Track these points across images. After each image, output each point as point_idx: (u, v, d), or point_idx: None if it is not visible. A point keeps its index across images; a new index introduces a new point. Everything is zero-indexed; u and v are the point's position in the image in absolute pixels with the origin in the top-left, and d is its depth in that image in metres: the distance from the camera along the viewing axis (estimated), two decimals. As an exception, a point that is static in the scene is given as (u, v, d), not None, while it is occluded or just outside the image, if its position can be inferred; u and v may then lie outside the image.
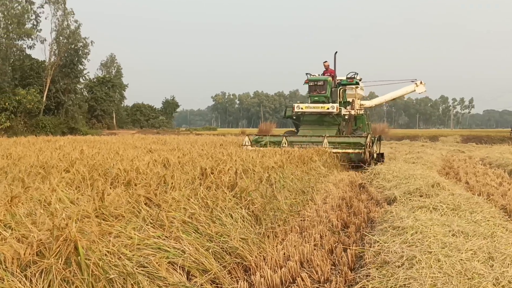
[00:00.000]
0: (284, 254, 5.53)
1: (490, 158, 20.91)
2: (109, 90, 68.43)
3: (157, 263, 4.10)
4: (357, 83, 18.55)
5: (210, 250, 4.77)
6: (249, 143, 16.23)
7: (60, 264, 3.31)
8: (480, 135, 46.27)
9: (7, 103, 43.94)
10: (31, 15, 49.04)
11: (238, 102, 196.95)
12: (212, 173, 7.19)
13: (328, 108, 16.95)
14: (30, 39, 49.21)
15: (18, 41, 48.99)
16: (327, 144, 15.12)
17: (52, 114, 50.88)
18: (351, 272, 5.22)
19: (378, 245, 5.61)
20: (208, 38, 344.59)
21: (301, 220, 7.57)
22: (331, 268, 5.36)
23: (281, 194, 8.02)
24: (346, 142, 15.74)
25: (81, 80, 55.48)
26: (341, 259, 5.60)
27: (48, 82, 49.17)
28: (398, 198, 8.91)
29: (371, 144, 15.67)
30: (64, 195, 5.20)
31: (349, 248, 5.84)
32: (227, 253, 4.97)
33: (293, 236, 6.34)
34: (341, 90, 18.10)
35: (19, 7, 47.75)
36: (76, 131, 49.35)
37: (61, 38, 49.95)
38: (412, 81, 19.46)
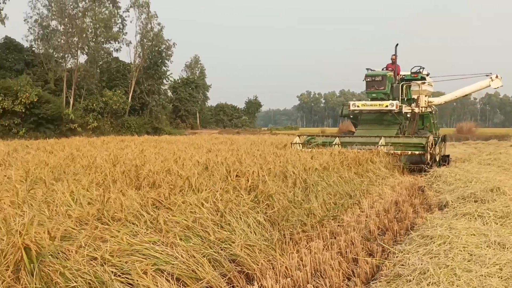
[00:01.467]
0: (298, 262, 5.26)
1: None
2: (192, 91, 69.97)
3: (142, 270, 3.98)
4: (423, 78, 17.07)
5: (208, 257, 4.59)
6: (299, 143, 15.56)
7: (9, 271, 3.26)
8: None
9: (94, 104, 45.93)
10: (118, 19, 51.06)
11: (323, 101, 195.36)
12: (237, 176, 7.01)
13: (386, 106, 15.55)
14: (116, 42, 51.30)
15: (105, 44, 51.21)
16: (383, 145, 14.13)
17: (137, 114, 52.63)
18: (363, 286, 4.87)
19: (400, 256, 5.22)
20: (296, 42, 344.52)
21: (337, 225, 7.24)
22: (344, 279, 5.02)
23: (318, 197, 7.70)
24: (405, 143, 14.59)
25: (164, 81, 57.06)
26: (359, 270, 5.24)
27: (133, 84, 50.93)
28: (450, 203, 8.35)
29: (433, 145, 14.49)
30: (74, 196, 5.21)
31: (368, 259, 5.46)
32: (229, 261, 4.78)
33: (317, 243, 6.03)
34: (404, 86, 16.65)
35: (106, 12, 49.85)
36: (160, 131, 50.85)
37: (145, 40, 51.61)
38: (486, 75, 17.65)
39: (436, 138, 15.26)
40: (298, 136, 16.36)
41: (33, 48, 47.19)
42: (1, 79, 39.85)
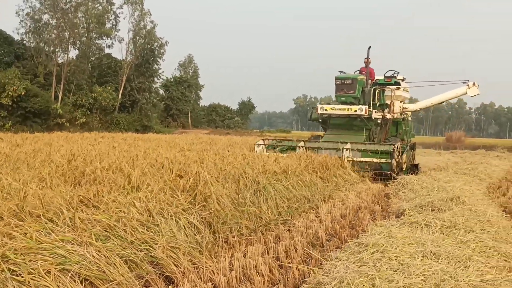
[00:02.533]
0: (227, 267, 5.12)
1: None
2: (185, 90, 69.77)
3: (45, 269, 3.84)
4: (397, 83, 16.28)
5: (124, 258, 4.46)
6: (263, 147, 15.06)
7: None
8: None
9: (83, 100, 45.77)
10: (111, 15, 50.98)
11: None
12: (181, 176, 6.87)
13: (355, 110, 14.78)
14: (109, 38, 51.19)
15: (97, 40, 51.06)
16: (348, 151, 13.64)
17: (127, 111, 52.47)
18: (283, 293, 4.74)
19: (329, 264, 5.10)
20: (290, 40, 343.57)
21: (286, 230, 7.11)
22: (268, 286, 4.90)
23: (270, 201, 7.57)
24: (371, 150, 13.85)
25: (155, 79, 56.96)
26: (288, 277, 5.12)
27: (124, 81, 50.77)
28: (407, 211, 8.23)
29: (400, 153, 13.88)
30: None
31: (300, 266, 5.33)
32: (149, 263, 4.64)
33: (256, 247, 5.89)
34: (377, 91, 15.81)
35: (100, 8, 49.73)
36: (149, 129, 50.72)
37: (137, 38, 51.48)
38: (463, 83, 17.02)
39: (404, 146, 14.84)
40: (263, 139, 15.88)
41: (24, 41, 46.97)
42: (-10, 72, 39.64)
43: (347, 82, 15.40)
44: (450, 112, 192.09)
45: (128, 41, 51.60)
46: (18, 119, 40.17)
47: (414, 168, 15.62)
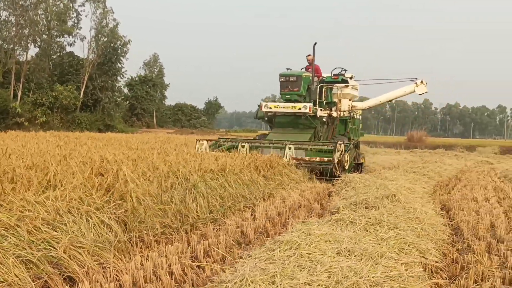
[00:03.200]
0: (137, 266, 5.01)
1: (510, 171, 19.72)
2: (150, 89, 69.24)
3: None
4: (345, 81, 15.90)
5: (21, 258, 4.31)
6: (206, 147, 14.46)
7: None
8: (521, 147, 44.04)
9: (44, 99, 45.02)
10: (72, 13, 50.21)
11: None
12: (101, 174, 6.74)
13: (300, 108, 14.34)
14: (70, 36, 50.43)
15: (58, 38, 50.23)
16: (290, 150, 13.17)
17: (89, 111, 51.78)
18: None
19: (240, 261, 5.04)
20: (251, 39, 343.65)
21: (214, 228, 7.03)
22: (175, 285, 4.81)
23: (199, 199, 7.48)
24: (313, 149, 13.49)
25: (119, 78, 56.33)
26: (198, 276, 5.04)
27: (86, 79, 50.07)
28: (341, 209, 8.24)
29: (343, 151, 13.46)
30: None
31: (213, 265, 5.26)
32: (49, 263, 4.50)
33: (176, 246, 5.79)
34: (323, 89, 15.37)
35: (61, 5, 48.95)
36: (112, 128, 50.17)
37: (100, 36, 50.83)
38: (412, 80, 16.75)
39: (348, 145, 14.28)
40: (206, 140, 15.17)
41: (-19, 38, 45.94)
42: None
43: (292, 79, 15.07)
44: (416, 112, 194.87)
45: (90, 39, 51.09)
46: (-25, 118, 39.35)
47: (358, 167, 15.44)
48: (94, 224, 5.24)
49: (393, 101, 18.55)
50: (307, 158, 13.10)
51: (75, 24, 50.66)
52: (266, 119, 15.98)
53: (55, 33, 49.15)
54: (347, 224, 6.63)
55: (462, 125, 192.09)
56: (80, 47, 70.40)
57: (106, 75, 52.70)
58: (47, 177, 6.18)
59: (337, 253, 5.22)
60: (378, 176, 13.47)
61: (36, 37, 47.01)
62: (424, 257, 5.69)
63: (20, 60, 45.55)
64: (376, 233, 6.23)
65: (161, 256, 5.36)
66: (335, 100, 15.88)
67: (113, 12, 51.60)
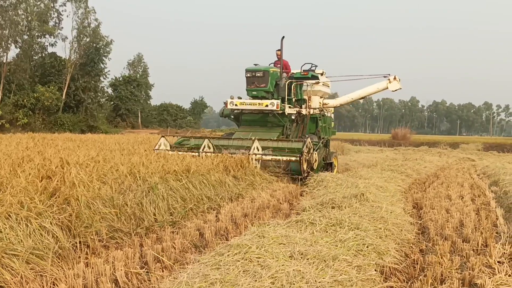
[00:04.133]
0: (77, 274, 4.76)
1: (489, 167, 19.66)
2: (134, 89, 68.67)
3: None
4: (315, 77, 15.15)
5: None
6: (166, 146, 13.62)
7: None
8: (504, 143, 44.23)
9: (25, 100, 44.42)
10: (54, 13, 49.65)
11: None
12: (49, 177, 6.47)
13: (266, 105, 13.64)
14: (52, 37, 49.84)
15: (40, 38, 49.62)
16: (257, 149, 12.48)
17: (72, 111, 51.21)
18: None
19: (189, 268, 4.81)
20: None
21: (172, 232, 6.79)
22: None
23: (160, 201, 7.24)
24: (279, 148, 12.76)
25: (102, 78, 55.74)
26: (140, 284, 4.80)
27: (68, 80, 49.51)
28: (307, 209, 8.04)
29: (310, 150, 12.70)
30: None
31: (157, 273, 5.03)
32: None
33: (124, 252, 5.54)
34: (292, 85, 14.60)
35: (42, 5, 48.35)
36: (96, 129, 49.69)
37: (82, 36, 50.29)
38: (384, 77, 16.08)
39: (316, 143, 13.56)
40: (163, 136, 14.28)
41: (-40, 39, 45.25)
42: None
43: (258, 74, 14.28)
44: (403, 110, 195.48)
45: (72, 40, 50.35)
46: (-46, 121, 38.72)
47: (327, 167, 14.61)
48: (33, 230, 4.98)
49: (366, 98, 17.99)
50: (274, 158, 12.41)
51: (57, 24, 50.05)
52: (232, 117, 15.28)
53: (36, 34, 48.41)
54: (306, 226, 6.43)
55: (448, 122, 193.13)
56: (62, 48, 69.67)
57: (89, 76, 52.09)
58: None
59: (289, 257, 5.02)
60: (354, 175, 13.31)
61: (17, 38, 46.34)
62: (382, 259, 5.52)
63: (0, 61, 44.86)
64: (335, 234, 6.04)
65: (107, 263, 5.13)
66: (305, 97, 15.36)
67: (95, 12, 51.01)
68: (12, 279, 4.34)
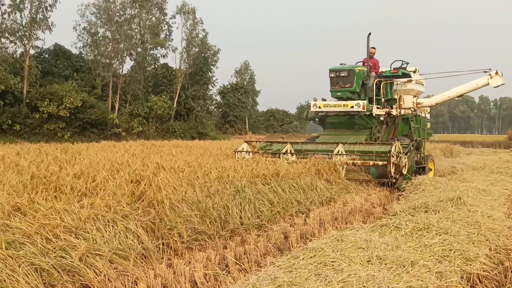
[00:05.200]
0: (157, 274, 4.94)
1: None
2: (241, 96, 70.14)
3: None
4: (406, 75, 14.21)
5: (35, 267, 4.36)
6: (247, 150, 13.06)
7: None
8: None
9: (139, 109, 46.76)
10: (164, 26, 51.96)
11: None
12: (138, 182, 6.74)
13: (352, 106, 12.77)
14: (163, 48, 52.16)
15: (152, 50, 52.13)
16: (341, 153, 11.79)
17: (183, 119, 53.17)
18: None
19: (263, 270, 4.82)
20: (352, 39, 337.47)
21: (256, 235, 6.86)
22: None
23: (247, 205, 7.34)
24: (365, 152, 11.88)
25: (210, 87, 57.45)
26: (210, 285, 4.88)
27: (179, 89, 51.53)
28: (398, 213, 7.78)
29: (399, 154, 11.59)
30: None
31: (221, 273, 5.08)
32: (64, 270, 4.52)
33: (208, 253, 5.67)
34: (382, 85, 13.61)
35: (153, 19, 50.78)
36: (205, 136, 51.26)
37: (190, 46, 52.18)
38: (485, 72, 14.75)
39: (407, 146, 12.42)
40: (246, 142, 13.84)
41: (82, 55, 48.62)
42: (48, 85, 41.15)
43: (343, 74, 13.39)
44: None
45: (181, 50, 52.40)
46: (77, 130, 41.43)
47: (420, 171, 13.48)
48: (119, 232, 5.24)
49: (463, 95, 16.00)
50: (359, 162, 11.69)
51: (167, 36, 52.32)
52: (317, 120, 14.57)
53: (149, 46, 50.92)
54: (391, 230, 6.22)
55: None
56: (173, 58, 72.64)
57: (198, 84, 53.90)
58: (88, 184, 6.29)
59: (367, 261, 4.90)
60: (456, 178, 12.73)
61: (131, 51, 49.04)
62: (470, 265, 5.22)
63: (117, 73, 47.65)
64: (421, 239, 5.80)
65: (188, 264, 5.27)
66: (396, 96, 14.18)
67: (202, 23, 52.79)
68: (95, 277, 4.58)
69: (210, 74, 55.31)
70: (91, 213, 5.27)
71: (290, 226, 7.43)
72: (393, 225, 6.30)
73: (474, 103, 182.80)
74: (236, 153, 12.94)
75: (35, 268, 4.37)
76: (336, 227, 6.93)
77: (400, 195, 10.77)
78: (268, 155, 12.38)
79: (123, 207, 5.65)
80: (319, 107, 13.64)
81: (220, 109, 68.81)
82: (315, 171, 10.25)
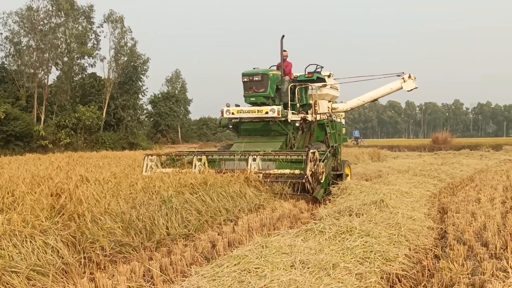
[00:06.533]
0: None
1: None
2: (173, 105, 69.64)
3: None
4: (321, 80, 13.71)
5: None
6: (155, 162, 11.91)
7: None
8: (550, 143, 42.78)
9: (67, 120, 45.51)
10: (91, 35, 50.91)
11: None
12: (58, 195, 6.59)
13: (266, 112, 12.17)
14: (90, 57, 51.05)
15: (79, 60, 50.93)
16: (253, 162, 11.14)
17: (112, 130, 52.21)
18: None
19: (187, 280, 4.81)
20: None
21: (183, 244, 6.82)
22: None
23: (174, 214, 7.29)
24: (279, 160, 11.28)
25: (140, 96, 56.74)
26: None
27: (108, 99, 50.56)
28: (324, 217, 7.94)
29: (317, 161, 11.03)
30: None
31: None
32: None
33: (132, 266, 5.58)
34: (296, 89, 13.05)
35: (80, 28, 49.63)
36: (136, 146, 50.51)
37: (119, 55, 51.38)
38: (398, 76, 14.65)
39: (323, 153, 11.77)
40: (150, 155, 12.24)
41: (4, 65, 46.81)
42: (-33, 97, 39.52)
43: (256, 78, 12.71)
44: (447, 114, 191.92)
45: (110, 59, 51.43)
46: (0, 143, 39.91)
47: (337, 178, 12.80)
48: (37, 247, 5.08)
49: (378, 100, 15.52)
50: (271, 172, 11.10)
51: (95, 45, 51.21)
52: (230, 126, 13.82)
53: (76, 55, 49.71)
54: (315, 234, 6.35)
55: (495, 124, 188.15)
56: (101, 68, 71.27)
57: (128, 94, 53.10)
58: (5, 199, 6.07)
59: (290, 266, 4.98)
60: (381, 181, 13.13)
61: (57, 60, 47.71)
62: (389, 265, 5.40)
63: (42, 83, 46.24)
64: (343, 242, 5.95)
65: (111, 278, 5.18)
66: (311, 101, 13.63)
67: (131, 31, 52.05)
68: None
69: (140, 83, 54.70)
70: (7, 229, 5.09)
71: (218, 234, 7.44)
72: (317, 230, 6.44)
73: (401, 108, 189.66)
74: (146, 157, 11.92)
75: None
76: (263, 234, 6.99)
77: (327, 200, 10.94)
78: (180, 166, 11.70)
79: (42, 221, 5.49)
80: (232, 113, 12.97)
81: (152, 119, 68.04)
82: (243, 179, 10.28)
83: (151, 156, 11.77)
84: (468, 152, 36.57)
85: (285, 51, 13.22)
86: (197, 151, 12.49)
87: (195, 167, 11.20)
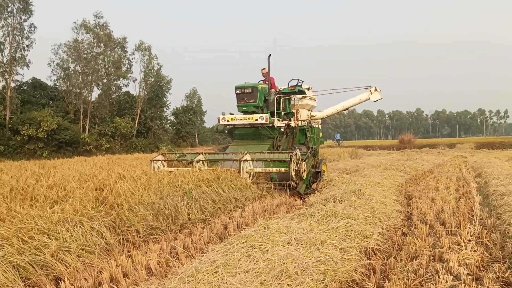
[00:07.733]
0: (118, 264, 4.83)
1: (477, 162, 19.02)
2: (191, 116, 69.55)
3: None
4: (302, 92, 13.58)
5: (12, 264, 4.18)
6: (161, 163, 11.46)
7: None
8: (493, 142, 42.65)
9: (106, 129, 45.58)
10: (125, 61, 50.96)
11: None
12: (101, 189, 6.60)
13: (256, 119, 12.09)
14: (125, 79, 51.14)
15: (116, 81, 51.01)
16: (247, 162, 10.56)
17: (143, 136, 52.22)
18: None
19: (205, 255, 4.82)
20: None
21: (201, 227, 6.82)
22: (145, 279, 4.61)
23: (193, 203, 7.28)
24: (267, 159, 10.74)
25: (164, 109, 56.74)
26: (162, 271, 4.82)
27: (139, 112, 50.62)
28: (314, 204, 7.94)
29: (299, 160, 10.55)
30: None
31: (162, 259, 5.04)
32: (38, 266, 4.36)
33: (161, 245, 5.59)
34: (281, 100, 12.94)
35: (116, 55, 49.71)
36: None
37: (148, 77, 51.46)
38: (366, 88, 14.61)
39: (305, 153, 11.45)
40: (161, 154, 12.06)
41: (56, 86, 46.96)
42: (28, 112, 39.62)
43: (247, 91, 12.55)
44: (410, 119, 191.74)
45: (140, 80, 51.56)
46: (53, 149, 39.95)
47: (317, 175, 12.25)
48: (85, 231, 5.09)
49: (350, 109, 15.10)
50: (259, 170, 10.68)
51: (128, 69, 51.29)
52: (226, 132, 13.56)
53: (113, 77, 49.83)
54: (307, 217, 6.35)
55: (449, 127, 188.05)
56: (133, 87, 71.23)
57: (155, 108, 53.20)
58: (60, 193, 6.08)
59: (287, 243, 4.97)
60: (359, 174, 13.10)
61: (98, 82, 47.86)
62: (366, 241, 5.39)
63: (86, 100, 46.38)
64: (329, 223, 5.95)
65: (144, 254, 5.19)
66: (293, 110, 13.50)
67: (157, 58, 52.30)
68: (65, 270, 4.44)
69: (165, 99, 54.70)
70: (61, 217, 5.10)
71: (229, 218, 7.43)
72: (308, 214, 6.44)
73: (374, 116, 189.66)
74: (152, 162, 11.47)
75: (12, 265, 4.19)
76: (265, 218, 6.98)
77: (316, 189, 10.90)
78: (183, 164, 11.46)
79: (88, 210, 5.50)
80: (227, 121, 12.73)
81: (174, 127, 67.94)
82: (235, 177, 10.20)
83: (156, 161, 11.41)
84: (428, 150, 36.52)
85: (264, 69, 13.13)
86: (201, 152, 12.07)
87: (197, 162, 11.11)
